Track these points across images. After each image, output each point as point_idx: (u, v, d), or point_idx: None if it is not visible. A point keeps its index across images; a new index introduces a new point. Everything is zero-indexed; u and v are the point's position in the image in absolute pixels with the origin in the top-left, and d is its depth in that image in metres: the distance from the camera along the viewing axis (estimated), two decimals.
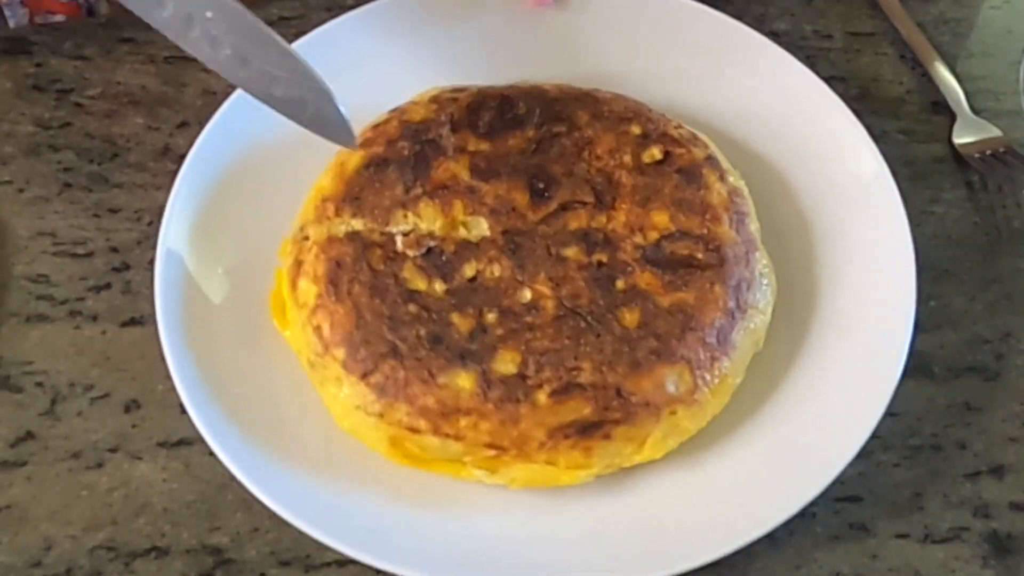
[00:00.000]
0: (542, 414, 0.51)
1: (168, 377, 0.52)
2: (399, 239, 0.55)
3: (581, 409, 0.51)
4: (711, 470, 0.53)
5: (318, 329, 0.53)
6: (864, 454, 0.55)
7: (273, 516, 0.51)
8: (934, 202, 0.65)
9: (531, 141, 0.59)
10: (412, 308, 0.53)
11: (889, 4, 0.74)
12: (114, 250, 0.61)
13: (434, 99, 0.60)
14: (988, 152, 0.66)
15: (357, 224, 0.55)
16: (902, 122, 0.68)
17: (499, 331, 0.52)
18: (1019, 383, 0.59)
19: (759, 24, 0.71)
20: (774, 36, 0.64)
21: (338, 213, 0.56)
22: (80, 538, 0.53)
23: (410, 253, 0.55)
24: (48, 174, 0.64)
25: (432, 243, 0.55)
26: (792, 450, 0.53)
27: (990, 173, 0.66)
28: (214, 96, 0.66)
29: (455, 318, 0.53)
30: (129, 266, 0.61)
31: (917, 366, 0.59)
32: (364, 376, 0.51)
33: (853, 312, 0.57)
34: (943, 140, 0.68)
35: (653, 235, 0.56)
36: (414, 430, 0.51)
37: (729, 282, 0.55)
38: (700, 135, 0.61)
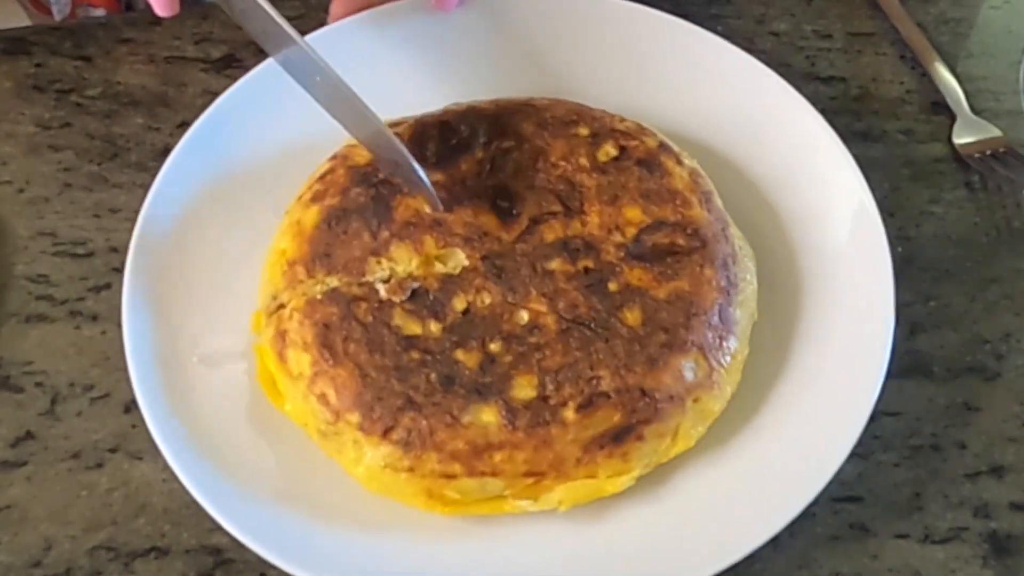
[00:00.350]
0: (573, 431, 0.50)
1: None
2: (381, 287, 0.53)
3: (611, 417, 0.51)
4: (734, 464, 0.53)
5: (323, 397, 0.51)
6: (864, 454, 0.56)
7: None
8: (934, 202, 0.65)
9: (483, 162, 0.58)
10: (414, 355, 0.51)
11: (889, 4, 0.74)
12: (114, 250, 0.61)
13: None
14: (988, 152, 0.66)
15: (332, 281, 0.54)
16: (902, 122, 0.68)
17: (508, 358, 0.52)
18: (1019, 383, 0.59)
19: (759, 24, 0.71)
20: (774, 36, 0.64)
21: (310, 274, 0.54)
22: (80, 538, 0.53)
23: (396, 299, 0.53)
24: (48, 174, 0.64)
25: (415, 284, 0.53)
26: (806, 433, 0.53)
27: (990, 173, 0.66)
28: (214, 96, 0.66)
29: (460, 355, 0.52)
30: None
31: (917, 366, 0.59)
32: (385, 434, 0.50)
33: (835, 302, 0.57)
34: (943, 140, 0.68)
35: (631, 231, 0.56)
36: (449, 476, 0.50)
37: (716, 261, 0.55)
38: (645, 125, 0.60)
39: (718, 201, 0.58)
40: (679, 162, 0.59)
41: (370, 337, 0.52)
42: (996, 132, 0.67)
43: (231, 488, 0.50)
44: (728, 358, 0.53)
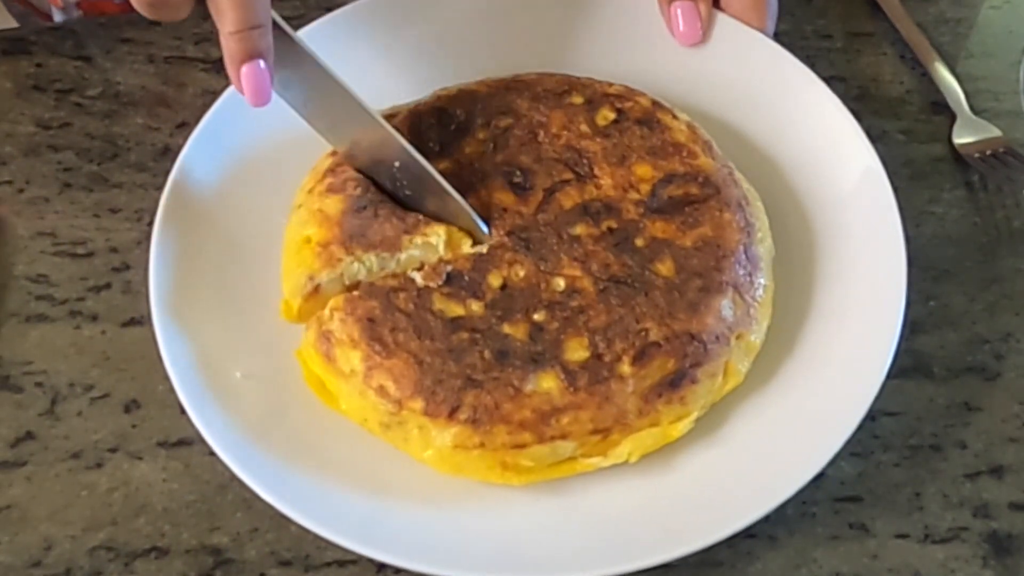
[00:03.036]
0: (632, 383, 0.52)
1: (168, 377, 0.52)
2: (416, 276, 0.54)
3: (665, 365, 0.52)
4: (782, 397, 0.54)
5: (381, 389, 0.51)
6: (864, 454, 0.56)
7: (273, 516, 0.51)
8: (934, 202, 0.65)
9: (486, 142, 0.59)
10: (463, 335, 0.52)
11: (889, 4, 0.74)
12: (114, 250, 0.61)
13: None
14: (988, 152, 0.66)
15: (371, 258, 0.54)
16: (902, 122, 0.68)
17: (554, 325, 0.53)
18: (1019, 383, 0.59)
19: None
20: (774, 36, 0.64)
21: (348, 251, 0.54)
22: (80, 538, 0.53)
23: (432, 285, 0.54)
24: (48, 174, 0.64)
25: (448, 268, 0.54)
26: (845, 357, 0.55)
27: (990, 173, 0.66)
28: (214, 96, 0.66)
29: (507, 329, 0.53)
30: (129, 266, 0.61)
31: (917, 366, 0.59)
32: (451, 415, 0.50)
33: (847, 293, 0.57)
34: (943, 140, 0.68)
35: (645, 187, 0.57)
36: (520, 446, 0.51)
37: (732, 204, 0.57)
38: (631, 86, 0.61)
39: (717, 148, 0.59)
40: (675, 117, 0.60)
41: (416, 325, 0.52)
42: (996, 132, 0.67)
43: (304, 486, 0.51)
44: (760, 292, 0.55)
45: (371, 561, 0.51)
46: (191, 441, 0.55)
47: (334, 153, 0.58)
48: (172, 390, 0.52)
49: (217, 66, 0.68)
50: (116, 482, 0.54)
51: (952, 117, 0.68)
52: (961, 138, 0.67)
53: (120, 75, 0.68)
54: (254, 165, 0.60)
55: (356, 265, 0.54)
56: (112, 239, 0.62)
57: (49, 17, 0.71)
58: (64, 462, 0.55)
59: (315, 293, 0.54)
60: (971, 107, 0.68)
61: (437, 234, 0.55)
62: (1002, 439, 0.57)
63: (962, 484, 0.56)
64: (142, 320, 0.59)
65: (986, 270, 0.63)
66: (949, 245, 0.64)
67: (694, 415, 0.52)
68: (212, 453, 0.51)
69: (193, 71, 0.68)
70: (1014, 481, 0.56)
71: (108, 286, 0.60)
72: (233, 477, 0.50)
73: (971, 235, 0.64)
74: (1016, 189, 0.66)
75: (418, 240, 0.55)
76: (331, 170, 0.57)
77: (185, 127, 0.65)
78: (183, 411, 0.52)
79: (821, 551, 0.54)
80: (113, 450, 0.55)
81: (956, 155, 0.67)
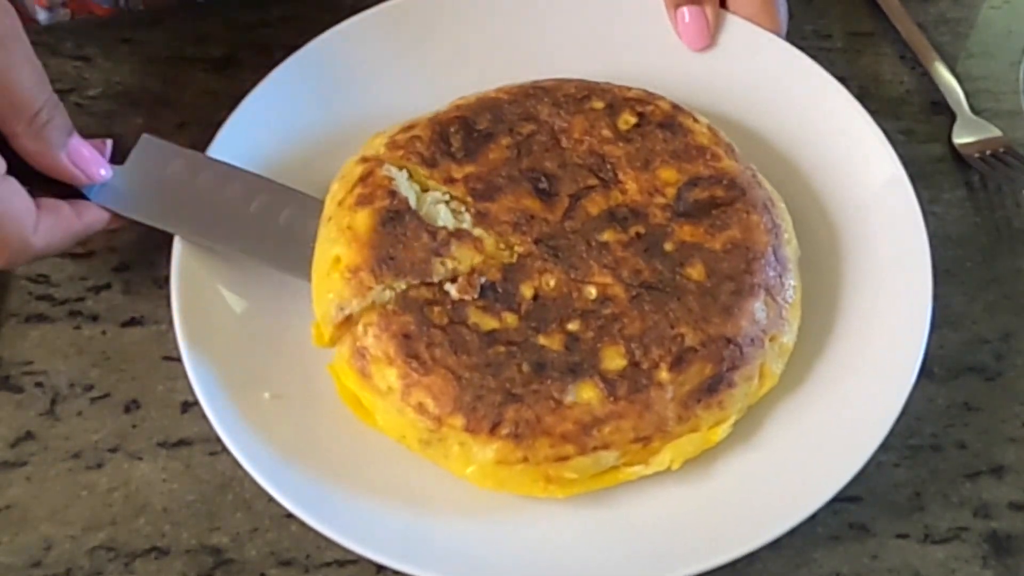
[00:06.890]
0: (671, 389, 0.51)
1: (168, 377, 0.52)
2: (451, 288, 0.53)
3: (703, 370, 0.52)
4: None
5: (420, 407, 0.51)
6: None
7: (273, 516, 0.51)
8: (934, 202, 0.65)
9: (510, 149, 0.58)
10: (499, 348, 0.52)
11: (889, 4, 0.74)
12: (114, 250, 0.61)
13: (392, 143, 0.58)
14: (988, 152, 0.66)
15: (401, 285, 0.53)
16: (902, 122, 0.68)
17: (589, 334, 0.52)
18: (1019, 383, 0.59)
19: None
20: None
21: (378, 279, 0.53)
22: (80, 538, 0.53)
23: (467, 298, 0.53)
24: None
25: (483, 279, 0.54)
26: (874, 357, 0.55)
27: (990, 173, 0.66)
28: (214, 96, 0.66)
29: (543, 340, 0.52)
30: (129, 266, 0.61)
31: None
32: (493, 430, 0.50)
33: (873, 293, 0.58)
34: (943, 140, 0.68)
35: (670, 191, 0.57)
36: (563, 458, 0.50)
37: (758, 206, 0.57)
38: (649, 90, 0.61)
39: (738, 150, 0.59)
40: (696, 119, 0.60)
41: (452, 339, 0.52)
42: (996, 132, 0.67)
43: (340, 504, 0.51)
44: (790, 294, 0.55)
45: (371, 562, 0.51)
46: (191, 441, 0.55)
47: (363, 159, 0.57)
48: (172, 390, 0.53)
49: (217, 66, 0.68)
50: (116, 482, 0.54)
51: (952, 117, 0.68)
52: (961, 138, 0.67)
53: (120, 75, 0.68)
54: (282, 169, 0.59)
55: (387, 292, 0.53)
56: (112, 239, 0.61)
57: (34, 20, 0.71)
58: (64, 462, 0.55)
59: (349, 322, 0.53)
60: (971, 107, 0.68)
61: (467, 257, 0.54)
62: (1002, 439, 0.57)
63: (962, 484, 0.56)
64: (142, 320, 0.59)
65: (986, 270, 0.63)
66: (949, 245, 0.64)
67: (732, 419, 0.52)
68: (212, 453, 0.52)
69: (193, 71, 0.68)
70: (1014, 481, 0.56)
71: (108, 286, 0.60)
72: (233, 477, 0.51)
73: (971, 235, 0.64)
74: (1016, 189, 0.66)
75: (448, 263, 0.54)
76: (362, 179, 0.56)
77: (185, 127, 0.65)
78: (183, 411, 0.52)
79: (821, 551, 0.54)
80: (113, 450, 0.55)
81: (956, 155, 0.67)
